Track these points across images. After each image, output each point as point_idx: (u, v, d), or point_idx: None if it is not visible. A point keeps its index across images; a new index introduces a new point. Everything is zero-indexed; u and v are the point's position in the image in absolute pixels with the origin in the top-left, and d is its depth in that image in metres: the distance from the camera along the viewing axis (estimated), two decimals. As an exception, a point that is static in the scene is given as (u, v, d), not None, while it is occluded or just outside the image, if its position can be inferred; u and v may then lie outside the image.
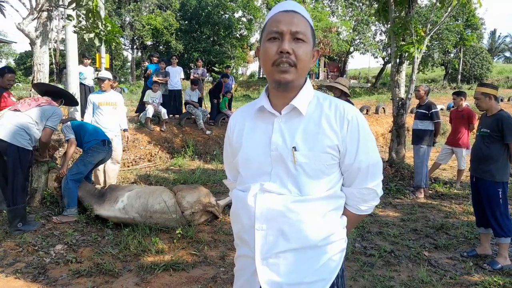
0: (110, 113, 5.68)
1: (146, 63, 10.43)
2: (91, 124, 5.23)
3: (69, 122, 4.93)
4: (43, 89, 4.51)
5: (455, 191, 6.53)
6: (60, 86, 9.11)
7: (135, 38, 30.66)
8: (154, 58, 10.47)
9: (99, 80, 5.69)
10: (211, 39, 30.63)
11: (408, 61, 7.11)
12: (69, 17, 5.05)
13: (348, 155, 1.28)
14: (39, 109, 4.15)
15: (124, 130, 6.04)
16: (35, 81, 4.70)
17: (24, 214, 4.08)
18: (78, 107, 8.13)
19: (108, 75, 5.82)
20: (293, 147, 1.24)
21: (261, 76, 33.95)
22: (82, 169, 4.60)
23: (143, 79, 10.05)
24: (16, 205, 3.98)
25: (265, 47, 1.24)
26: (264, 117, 1.33)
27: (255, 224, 1.26)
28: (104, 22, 4.94)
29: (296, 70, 1.22)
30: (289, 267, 1.25)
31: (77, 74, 8.14)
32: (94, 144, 4.73)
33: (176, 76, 10.23)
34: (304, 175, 1.24)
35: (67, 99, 4.81)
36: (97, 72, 5.74)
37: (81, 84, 8.46)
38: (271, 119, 1.31)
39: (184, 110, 10.53)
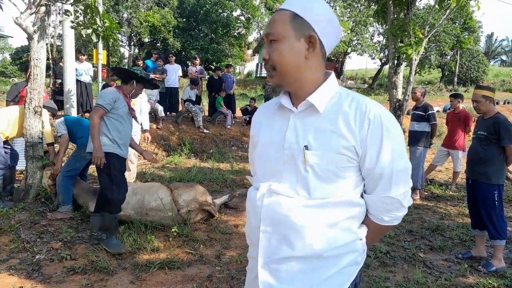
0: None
1: (140, 62, 10.38)
2: (83, 119, 5.11)
3: (62, 118, 4.85)
4: (120, 74, 4.23)
5: (451, 193, 6.56)
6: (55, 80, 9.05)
7: (132, 35, 30.50)
8: (154, 55, 10.43)
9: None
10: (209, 37, 30.56)
11: (406, 63, 7.13)
12: (66, 12, 5.01)
13: (369, 159, 1.15)
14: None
15: (145, 131, 5.90)
16: (31, 77, 4.66)
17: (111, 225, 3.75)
18: (74, 104, 8.09)
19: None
20: (304, 146, 1.15)
21: (258, 75, 33.93)
22: (75, 165, 4.54)
23: None
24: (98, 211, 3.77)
25: None
26: (282, 113, 1.26)
27: (260, 225, 1.21)
28: (101, 18, 4.91)
29: (277, 73, 1.18)
30: (292, 275, 1.18)
31: (74, 70, 8.09)
32: (87, 139, 4.64)
33: (173, 73, 10.20)
34: (315, 176, 1.15)
35: (146, 83, 4.67)
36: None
37: (77, 80, 8.41)
38: (287, 115, 1.23)
39: (180, 108, 10.50)
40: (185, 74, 13.09)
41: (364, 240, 1.25)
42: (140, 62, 10.42)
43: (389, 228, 1.29)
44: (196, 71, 10.85)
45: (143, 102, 5.72)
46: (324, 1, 1.20)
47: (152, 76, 9.69)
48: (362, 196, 1.23)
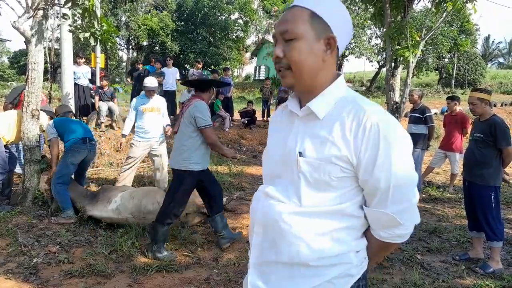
0: (155, 118, 5.47)
1: (140, 66, 10.41)
2: (73, 120, 5.03)
3: (51, 121, 4.80)
4: (199, 85, 3.97)
5: (448, 195, 6.57)
6: (54, 85, 9.06)
7: (130, 38, 30.54)
8: (153, 61, 10.49)
9: (148, 91, 5.41)
10: (207, 40, 30.62)
11: (403, 65, 7.15)
12: (64, 16, 5.03)
13: (363, 170, 1.08)
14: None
15: (168, 125, 5.77)
16: (29, 80, 4.66)
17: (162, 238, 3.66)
18: (72, 107, 8.08)
19: (156, 84, 5.53)
20: (299, 152, 1.12)
21: (256, 78, 33.96)
22: (64, 171, 4.49)
23: (134, 79, 10.01)
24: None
25: None
26: (290, 116, 1.23)
27: (255, 227, 1.23)
28: (99, 22, 4.93)
29: (292, 73, 1.12)
30: (279, 280, 1.17)
31: (72, 73, 8.09)
32: (73, 143, 4.56)
33: (171, 77, 10.21)
34: (306, 184, 1.11)
35: (218, 84, 4.51)
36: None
37: (75, 84, 8.41)
38: (294, 119, 1.21)
39: (178, 111, 10.50)
40: (184, 77, 13.10)
41: (363, 253, 1.19)
42: (140, 66, 10.44)
43: (392, 245, 1.20)
44: (194, 75, 10.85)
45: (163, 108, 5.70)
46: (339, 0, 1.17)
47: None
48: (362, 208, 1.17)
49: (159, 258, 3.55)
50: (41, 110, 4.91)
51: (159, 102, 5.58)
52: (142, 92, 5.75)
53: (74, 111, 7.76)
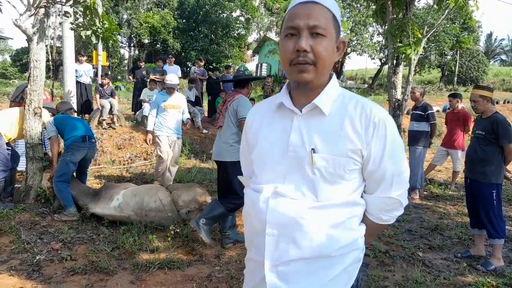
0: (176, 115, 5.63)
1: (143, 64, 10.42)
2: (73, 118, 5.02)
3: (51, 118, 4.78)
4: (239, 83, 4.01)
5: (450, 192, 6.57)
6: (56, 83, 9.08)
7: (132, 36, 30.54)
8: (170, 59, 10.57)
9: (169, 88, 5.55)
10: (209, 38, 30.59)
11: (405, 63, 7.14)
12: (66, 13, 5.03)
13: (372, 161, 1.18)
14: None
15: (187, 119, 5.91)
16: (31, 78, 4.68)
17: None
18: (74, 105, 8.10)
19: (177, 80, 5.66)
20: (312, 149, 1.15)
21: (258, 75, 33.93)
22: (64, 170, 4.49)
23: (136, 79, 10.03)
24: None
25: (282, 44, 1.16)
26: (284, 114, 1.24)
27: (266, 229, 1.19)
28: (101, 20, 4.93)
29: (315, 69, 1.12)
30: (300, 276, 1.18)
31: (74, 71, 8.11)
32: (72, 141, 4.55)
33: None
34: (322, 179, 1.15)
35: (255, 78, 4.54)
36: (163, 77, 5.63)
37: (77, 82, 8.43)
38: (290, 116, 1.22)
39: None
40: (185, 75, 13.11)
41: (363, 238, 1.28)
42: (142, 64, 10.44)
43: (385, 226, 1.33)
44: (195, 72, 10.86)
45: (184, 105, 5.84)
46: None
47: (152, 77, 9.73)
48: (362, 196, 1.26)
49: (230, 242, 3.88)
50: (43, 107, 4.92)
51: (179, 99, 5.72)
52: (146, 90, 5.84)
53: (76, 109, 7.79)
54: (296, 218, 1.15)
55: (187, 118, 5.86)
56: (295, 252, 1.17)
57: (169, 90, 5.55)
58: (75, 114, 7.44)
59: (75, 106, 7.85)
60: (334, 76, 1.23)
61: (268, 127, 1.27)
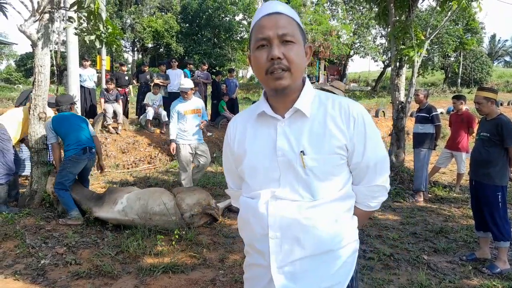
0: (195, 120, 5.54)
1: (147, 68, 10.47)
2: (73, 123, 4.71)
3: (49, 121, 4.64)
4: None
5: (455, 194, 6.54)
6: (60, 88, 9.13)
7: (135, 40, 30.69)
8: (189, 65, 10.76)
9: (182, 92, 5.52)
10: (212, 41, 30.67)
11: (408, 65, 7.12)
12: (70, 19, 5.07)
13: (356, 154, 1.24)
14: None
15: (203, 119, 5.76)
16: (36, 83, 4.71)
17: None
18: (78, 110, 8.15)
19: (191, 84, 5.60)
20: (301, 151, 1.19)
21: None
22: (64, 179, 4.46)
23: (140, 83, 10.09)
24: None
25: (255, 56, 1.20)
26: (266, 122, 1.28)
27: (269, 232, 1.21)
28: (105, 24, 4.96)
29: (290, 74, 1.17)
30: (306, 273, 1.22)
31: (78, 76, 8.16)
32: (73, 154, 4.48)
33: (176, 78, 10.25)
34: (315, 179, 1.20)
35: None
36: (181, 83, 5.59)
37: (81, 86, 8.48)
38: (273, 123, 1.26)
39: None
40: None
41: (357, 229, 1.34)
42: (146, 68, 10.49)
43: (372, 213, 1.43)
44: (199, 76, 10.90)
45: (202, 109, 5.79)
46: None
47: (156, 81, 9.78)
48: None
49: None
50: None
51: (197, 103, 5.67)
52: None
53: (80, 113, 7.83)
54: (297, 219, 1.19)
55: (204, 119, 5.70)
56: (299, 252, 1.21)
57: (183, 94, 5.49)
58: (78, 111, 7.47)
59: (79, 111, 7.90)
60: (307, 80, 1.30)
61: (252, 137, 1.30)
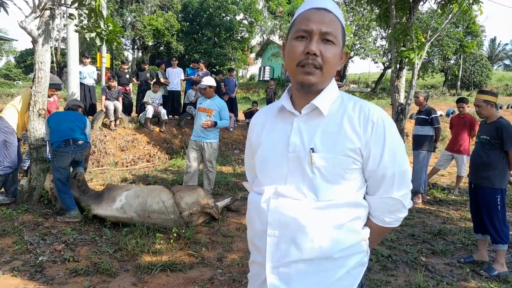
0: (204, 119, 5.49)
1: (147, 66, 10.46)
2: (64, 117, 4.66)
3: (47, 119, 4.62)
4: None
5: (453, 197, 6.54)
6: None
7: (136, 38, 30.64)
8: (194, 64, 10.76)
9: (200, 89, 5.68)
10: (212, 41, 30.66)
11: (408, 67, 7.14)
12: (71, 16, 5.06)
13: (372, 160, 1.17)
14: None
15: (207, 119, 5.66)
16: (36, 80, 4.70)
17: None
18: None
19: (209, 82, 5.54)
20: (311, 148, 1.16)
21: (261, 78, 33.98)
22: (57, 176, 4.41)
23: (140, 81, 10.07)
24: None
25: (291, 45, 1.17)
26: (284, 117, 1.26)
27: (267, 229, 1.19)
28: (106, 22, 4.95)
29: (321, 73, 1.15)
30: (301, 278, 1.17)
31: (78, 73, 8.14)
32: (55, 146, 4.40)
33: (175, 77, 10.26)
34: (322, 178, 1.16)
35: None
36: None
37: (81, 83, 8.46)
38: (290, 118, 1.24)
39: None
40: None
41: (367, 241, 1.27)
42: (146, 66, 10.49)
43: (389, 230, 1.30)
44: (198, 75, 10.88)
45: (216, 111, 5.69)
46: None
47: (162, 80, 9.81)
48: (364, 198, 1.25)
49: None
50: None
51: (212, 104, 5.58)
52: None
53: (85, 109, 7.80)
54: (296, 219, 1.15)
55: (215, 120, 5.53)
56: (295, 253, 1.16)
57: (201, 91, 5.66)
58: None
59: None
60: (333, 80, 1.25)
61: (269, 130, 1.29)
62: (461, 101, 6.46)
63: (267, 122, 1.32)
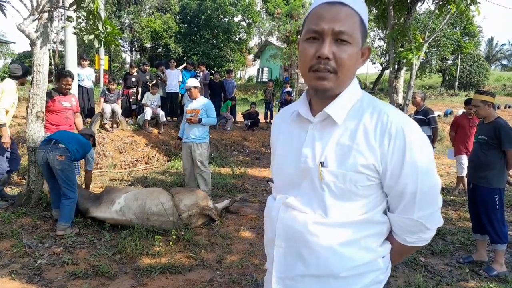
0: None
1: (148, 67, 10.46)
2: (65, 132, 4.62)
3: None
4: None
5: (452, 197, 6.55)
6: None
7: (134, 40, 30.63)
8: (189, 66, 10.79)
9: (186, 90, 5.76)
10: (210, 42, 30.65)
11: (406, 68, 7.15)
12: (69, 18, 5.05)
13: (390, 176, 1.05)
14: None
15: (193, 115, 5.72)
16: (34, 82, 4.69)
17: None
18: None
19: (193, 83, 5.65)
20: (320, 162, 1.06)
21: (259, 80, 34.00)
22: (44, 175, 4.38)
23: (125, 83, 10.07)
24: None
25: (302, 48, 1.06)
26: (300, 123, 1.16)
27: (275, 240, 1.15)
28: (104, 24, 4.95)
29: (336, 77, 1.03)
30: None
31: (76, 75, 8.13)
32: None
33: (174, 79, 10.26)
34: (331, 195, 1.06)
35: None
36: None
37: (79, 86, 8.45)
38: (306, 126, 1.14)
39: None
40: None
41: (388, 257, 1.16)
42: (147, 67, 10.48)
43: (414, 249, 1.18)
44: (199, 77, 10.89)
45: (202, 111, 5.78)
46: None
47: (164, 79, 9.86)
48: (385, 213, 1.14)
49: None
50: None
51: (198, 103, 5.68)
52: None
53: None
54: (302, 233, 1.08)
55: (201, 117, 5.56)
56: (301, 268, 1.10)
57: (187, 92, 5.71)
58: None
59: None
60: (354, 81, 1.12)
61: (285, 136, 1.21)
62: (468, 102, 6.37)
63: (284, 127, 1.24)
